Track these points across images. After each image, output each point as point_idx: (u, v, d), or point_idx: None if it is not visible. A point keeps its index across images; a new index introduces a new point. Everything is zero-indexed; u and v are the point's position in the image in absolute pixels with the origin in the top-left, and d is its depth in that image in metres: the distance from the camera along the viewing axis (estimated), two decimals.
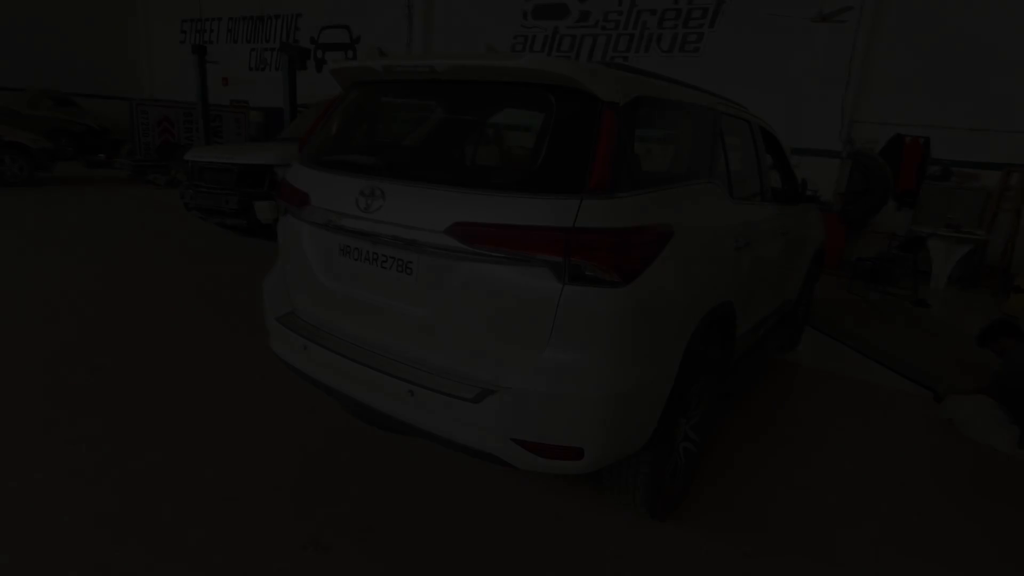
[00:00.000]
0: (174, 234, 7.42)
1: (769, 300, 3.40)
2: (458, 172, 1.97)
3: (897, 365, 4.50)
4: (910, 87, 8.03)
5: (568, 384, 1.80)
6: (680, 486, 2.56)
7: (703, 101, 2.58)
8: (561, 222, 1.74)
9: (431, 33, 12.76)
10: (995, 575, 2.38)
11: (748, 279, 2.78)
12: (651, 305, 1.88)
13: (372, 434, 3.02)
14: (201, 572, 2.04)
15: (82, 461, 2.58)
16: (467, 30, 12.14)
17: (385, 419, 2.08)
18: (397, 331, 2.07)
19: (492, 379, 1.91)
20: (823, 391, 4.06)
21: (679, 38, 9.90)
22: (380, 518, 2.39)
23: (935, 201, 7.91)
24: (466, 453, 1.96)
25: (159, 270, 5.74)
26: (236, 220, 6.88)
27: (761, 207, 3.09)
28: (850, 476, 2.99)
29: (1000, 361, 3.67)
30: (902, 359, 4.56)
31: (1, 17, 15.90)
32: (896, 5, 7.93)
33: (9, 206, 8.33)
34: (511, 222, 1.78)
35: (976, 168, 7.79)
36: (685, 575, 2.22)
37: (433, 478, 2.70)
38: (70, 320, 4.20)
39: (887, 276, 7.05)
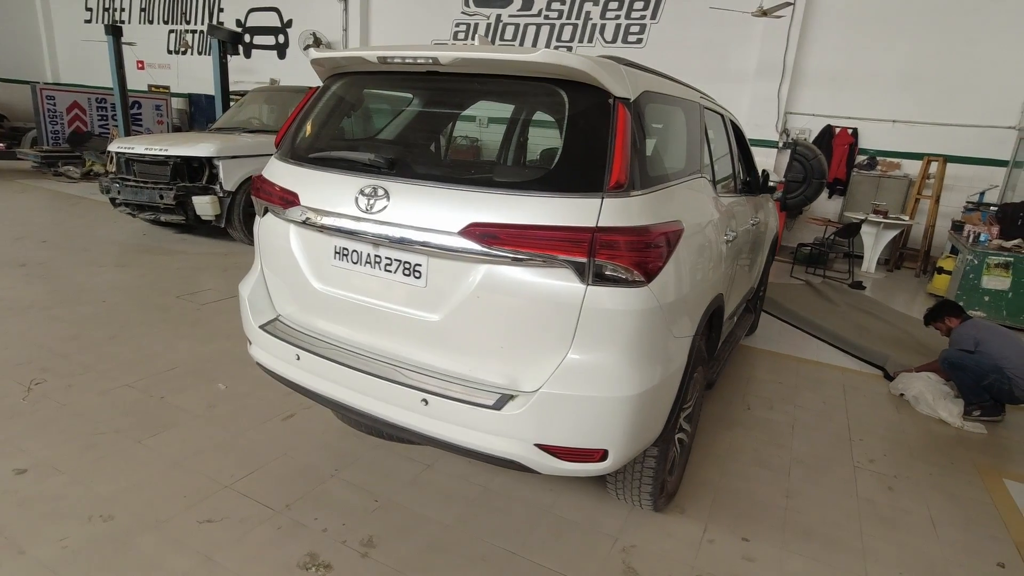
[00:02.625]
0: (105, 231, 6.83)
1: (743, 288, 3.51)
2: (470, 170, 1.88)
3: (847, 346, 4.77)
4: (840, 81, 8.48)
5: (593, 386, 1.77)
6: (676, 477, 2.60)
7: (692, 95, 2.60)
8: (584, 221, 1.70)
9: (368, 18, 12.33)
10: (939, 530, 2.56)
11: (733, 270, 2.85)
12: (668, 302, 1.87)
13: (360, 440, 2.91)
14: None
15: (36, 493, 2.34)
16: (406, 15, 11.82)
17: (394, 430, 1.98)
18: (405, 337, 1.97)
19: (510, 384, 1.86)
20: (784, 374, 4.25)
21: (622, 29, 10.02)
22: (379, 527, 2.30)
23: (863, 189, 8.43)
24: (485, 460, 1.90)
25: (98, 271, 5.27)
26: (173, 216, 6.44)
27: (738, 199, 3.17)
28: (820, 453, 3.14)
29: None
30: (851, 340, 4.83)
31: None
32: (826, 4, 8.33)
33: None
34: (531, 222, 1.72)
35: (899, 157, 8.35)
36: (693, 563, 2.26)
37: (430, 481, 2.62)
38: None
39: (825, 260, 7.47)
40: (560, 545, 2.31)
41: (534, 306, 1.77)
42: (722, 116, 3.25)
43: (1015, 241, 5.74)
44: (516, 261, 1.74)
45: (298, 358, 2.14)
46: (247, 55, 13.86)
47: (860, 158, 8.54)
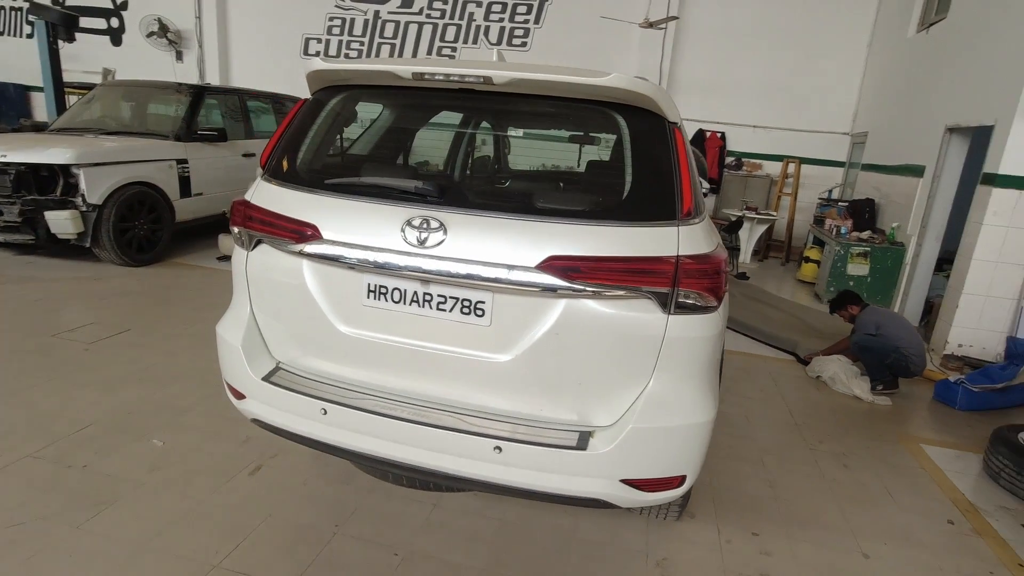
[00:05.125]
0: None
1: None
2: (538, 199, 1.75)
3: (760, 335, 5.26)
4: (709, 89, 9.30)
5: (676, 415, 1.75)
6: None
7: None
8: (666, 251, 1.67)
9: (226, 5, 11.18)
10: (895, 498, 2.94)
11: None
12: (724, 327, 1.91)
13: (346, 485, 2.62)
14: None
15: None
16: (272, 7, 10.89)
17: (455, 482, 1.81)
18: (465, 381, 1.81)
19: (582, 421, 1.79)
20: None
21: (507, 32, 10.10)
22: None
23: (733, 187, 9.35)
24: (564, 503, 1.80)
25: None
26: (18, 236, 5.36)
27: None
28: (779, 440, 3.44)
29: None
30: (762, 329, 5.33)
31: None
32: (695, 19, 9.08)
33: None
34: (613, 254, 1.66)
35: (761, 159, 9.37)
36: (723, 566, 2.35)
37: (443, 522, 2.44)
38: None
39: None
40: (600, 569, 2.28)
41: (615, 339, 1.71)
42: None
43: (867, 232, 6.71)
44: (598, 295, 1.67)
45: (324, 412, 1.87)
46: (70, 39, 11.89)
47: (729, 159, 9.45)
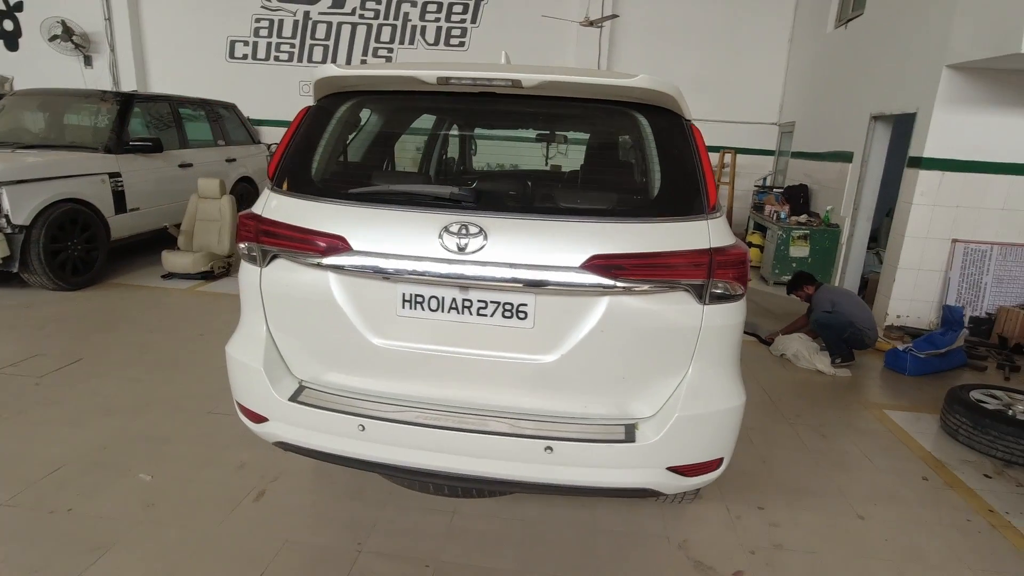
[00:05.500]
0: None
1: None
2: (574, 200, 1.77)
3: None
4: None
5: (714, 401, 1.83)
6: None
7: None
8: (700, 244, 1.74)
9: (139, 6, 10.48)
10: (874, 461, 3.18)
11: None
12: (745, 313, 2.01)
13: (357, 500, 2.55)
14: None
15: None
16: (190, 8, 10.30)
17: (505, 486, 1.81)
18: (508, 385, 1.80)
19: (623, 414, 1.83)
20: None
21: (444, 32, 10.03)
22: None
23: None
24: (611, 496, 1.84)
25: None
26: None
27: None
28: (761, 416, 3.63)
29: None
30: None
31: None
32: (630, 17, 9.34)
33: None
34: (652, 250, 1.70)
35: None
36: (741, 542, 2.46)
37: (466, 528, 2.43)
38: None
39: None
40: (629, 557, 2.34)
41: (655, 332, 1.76)
42: None
43: (803, 216, 7.15)
44: (639, 290, 1.71)
45: (362, 428, 1.81)
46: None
47: None
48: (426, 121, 2.13)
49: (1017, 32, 4.04)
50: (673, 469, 1.81)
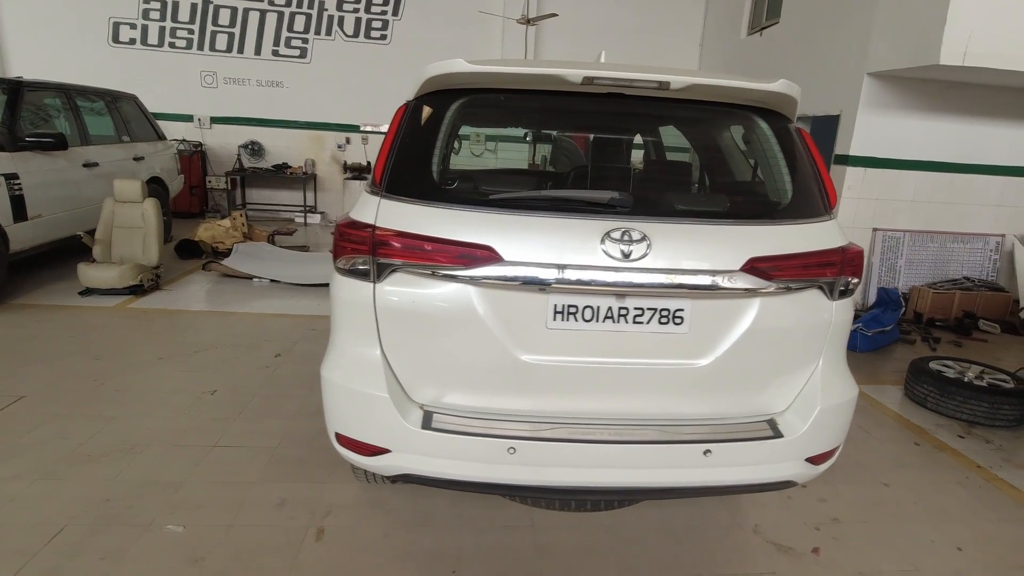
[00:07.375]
0: None
1: None
2: (724, 203, 1.76)
3: None
4: None
5: (841, 391, 1.92)
6: None
7: None
8: (834, 243, 1.82)
9: None
10: (872, 433, 3.53)
11: None
12: None
13: (425, 526, 2.40)
14: None
15: None
16: None
17: (662, 494, 1.79)
18: (662, 391, 1.77)
19: (763, 410, 1.88)
20: None
21: (364, 24, 9.57)
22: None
23: None
24: (756, 491, 1.88)
25: None
26: None
27: None
28: None
29: None
30: None
31: None
32: (556, 16, 9.49)
33: None
34: (799, 250, 1.75)
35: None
36: (804, 520, 2.62)
37: (551, 544, 2.36)
38: None
39: None
40: (718, 549, 2.39)
41: (797, 329, 1.82)
42: None
43: None
44: (787, 290, 1.76)
45: (512, 451, 1.70)
46: None
47: None
48: (556, 123, 2.03)
49: (936, 44, 4.61)
50: (810, 459, 1.88)
